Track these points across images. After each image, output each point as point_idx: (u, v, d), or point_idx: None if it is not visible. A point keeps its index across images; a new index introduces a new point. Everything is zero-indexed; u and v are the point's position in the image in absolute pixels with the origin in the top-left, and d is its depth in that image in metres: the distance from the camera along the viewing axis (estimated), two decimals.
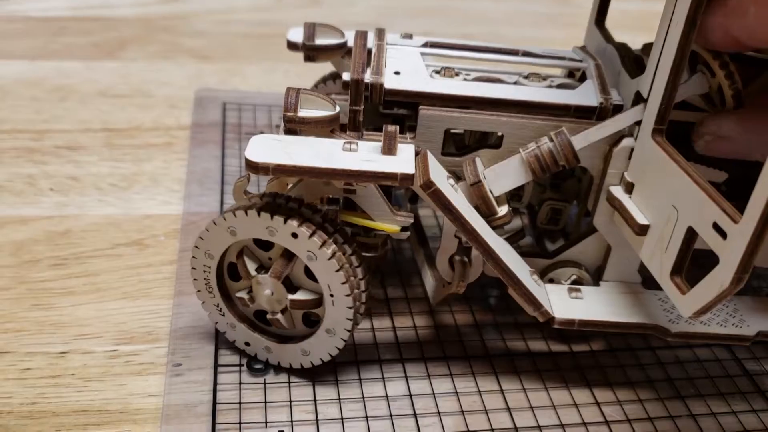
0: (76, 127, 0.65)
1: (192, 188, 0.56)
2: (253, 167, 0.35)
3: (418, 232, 0.49)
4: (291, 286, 0.40)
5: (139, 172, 0.59)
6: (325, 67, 0.52)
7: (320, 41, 0.46)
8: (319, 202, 0.40)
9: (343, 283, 0.38)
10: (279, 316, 0.40)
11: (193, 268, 0.40)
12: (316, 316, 0.41)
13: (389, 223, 0.40)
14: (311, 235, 0.37)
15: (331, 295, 0.38)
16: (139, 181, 0.58)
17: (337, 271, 0.37)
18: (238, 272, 0.40)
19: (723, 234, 0.31)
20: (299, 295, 0.39)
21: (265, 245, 0.39)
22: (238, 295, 0.40)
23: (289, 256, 0.39)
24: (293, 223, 0.36)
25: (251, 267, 0.40)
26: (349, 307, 0.38)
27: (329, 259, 0.37)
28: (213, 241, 0.39)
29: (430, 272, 0.45)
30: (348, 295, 0.38)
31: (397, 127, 0.37)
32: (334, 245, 0.38)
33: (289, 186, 0.41)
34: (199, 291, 0.41)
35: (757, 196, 0.28)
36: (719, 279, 0.31)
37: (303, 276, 0.39)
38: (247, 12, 0.93)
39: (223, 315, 0.41)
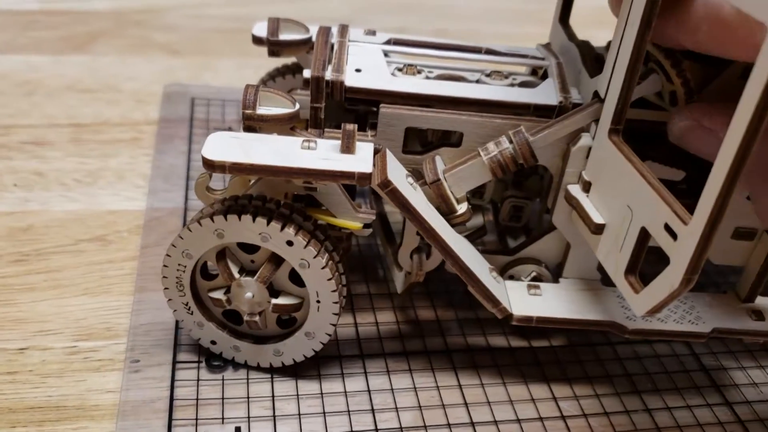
0: (43, 122, 0.64)
1: (156, 184, 0.56)
2: (209, 165, 0.35)
3: (385, 228, 0.49)
4: (272, 290, 0.40)
5: (105, 167, 0.59)
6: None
7: (284, 36, 0.46)
8: (282, 198, 0.40)
9: (333, 291, 0.38)
10: (256, 317, 0.40)
11: (165, 266, 0.39)
12: (293, 317, 0.41)
13: (352, 220, 0.40)
14: (307, 244, 0.37)
15: (318, 301, 0.39)
16: (105, 176, 0.58)
17: (329, 279, 0.38)
18: (209, 271, 0.40)
19: (674, 235, 0.31)
20: (281, 300, 0.40)
21: (248, 248, 0.39)
22: (214, 295, 0.40)
23: (277, 261, 0.39)
24: (290, 231, 0.37)
25: (233, 269, 0.39)
26: (335, 313, 0.39)
27: (323, 267, 0.38)
28: (195, 242, 0.38)
29: (395, 264, 0.46)
30: (336, 302, 0.39)
31: (356, 125, 0.37)
32: (327, 254, 0.38)
33: (251, 182, 0.41)
34: (167, 288, 0.40)
35: (706, 198, 0.28)
36: (670, 279, 0.31)
37: (286, 280, 0.40)
38: (219, 6, 0.93)
39: (191, 314, 0.41)
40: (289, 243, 0.37)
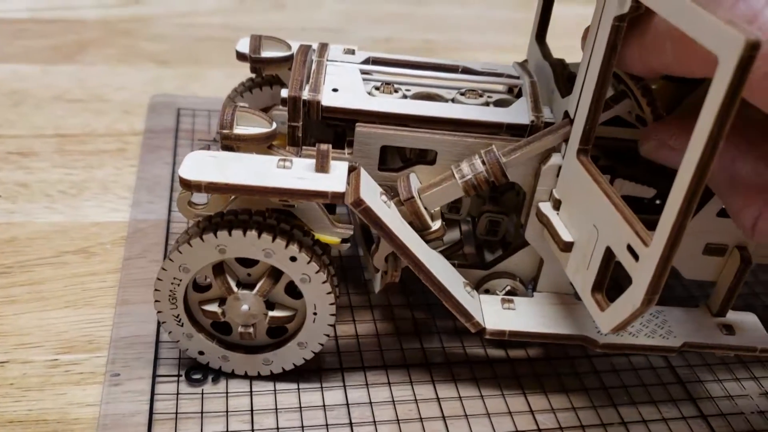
0: (29, 132, 0.64)
1: (141, 195, 0.56)
2: (186, 184, 0.36)
3: (366, 235, 0.49)
4: (267, 302, 0.41)
5: (90, 179, 0.59)
6: None
7: (266, 54, 0.47)
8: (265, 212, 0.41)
9: (331, 304, 0.40)
10: (250, 329, 0.41)
11: (159, 279, 0.39)
12: (284, 327, 0.42)
13: (330, 235, 0.40)
14: (310, 261, 0.38)
15: (315, 313, 0.40)
16: (89, 188, 0.58)
17: (329, 293, 0.39)
18: (199, 284, 0.41)
19: (636, 256, 0.32)
20: (277, 312, 0.41)
21: (245, 261, 0.40)
22: (209, 308, 0.41)
23: (276, 275, 0.40)
24: (294, 248, 0.38)
25: (231, 283, 0.40)
26: (330, 324, 0.40)
27: (324, 282, 0.39)
28: (194, 257, 0.38)
29: (373, 267, 0.46)
30: (332, 315, 0.40)
31: (330, 145, 0.37)
32: (326, 269, 0.39)
33: (231, 198, 0.41)
34: (158, 301, 0.40)
35: (665, 221, 0.29)
36: (632, 299, 0.32)
37: (282, 293, 0.41)
38: (209, 15, 0.93)
39: (182, 325, 0.41)
40: (293, 258, 0.38)
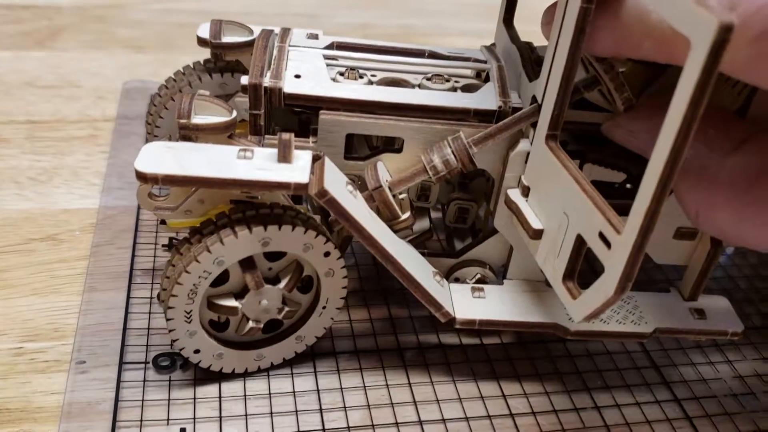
0: None
1: (111, 182, 0.55)
2: (141, 177, 0.35)
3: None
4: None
5: (60, 165, 0.58)
6: None
7: (227, 39, 0.46)
8: (226, 204, 0.40)
9: (342, 298, 0.41)
10: (261, 324, 0.40)
11: (186, 272, 0.37)
12: (279, 322, 0.41)
13: None
14: (340, 256, 0.39)
15: (324, 307, 0.41)
16: (60, 174, 0.57)
17: (344, 287, 0.40)
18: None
19: (608, 244, 0.31)
20: (288, 307, 0.40)
21: (270, 256, 0.39)
22: (227, 303, 0.39)
23: (300, 269, 0.39)
24: (330, 244, 0.39)
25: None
26: (332, 318, 0.41)
27: (344, 277, 0.40)
28: (233, 251, 0.37)
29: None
30: (338, 308, 0.41)
31: (293, 134, 0.36)
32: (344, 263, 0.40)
33: (193, 190, 0.40)
34: (175, 296, 0.37)
35: (637, 208, 0.28)
36: (605, 287, 0.31)
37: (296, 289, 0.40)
38: (184, 1, 0.92)
39: (189, 322, 0.39)
40: (326, 254, 0.39)
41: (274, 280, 0.39)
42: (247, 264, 0.38)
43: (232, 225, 0.37)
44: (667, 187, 0.27)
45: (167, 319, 0.38)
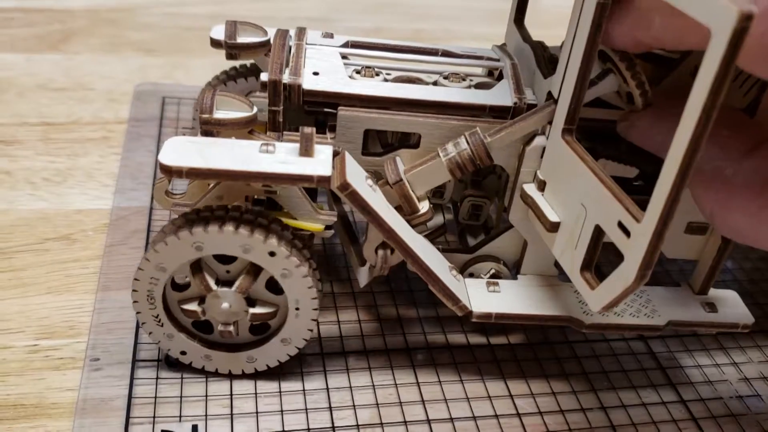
0: (13, 120, 0.64)
1: (124, 183, 0.56)
2: (166, 170, 0.35)
3: (347, 228, 0.49)
4: (248, 299, 0.40)
5: (74, 166, 0.59)
6: None
7: (242, 39, 0.46)
8: (243, 201, 0.41)
9: (314, 298, 0.39)
10: (231, 327, 0.40)
11: (136, 279, 0.38)
12: (266, 324, 0.41)
13: (313, 222, 0.40)
14: (290, 255, 0.37)
15: (297, 309, 0.39)
16: (73, 175, 0.58)
17: (310, 287, 0.39)
18: (177, 283, 0.40)
19: (627, 232, 0.32)
20: (258, 309, 0.40)
21: (223, 258, 0.39)
22: (188, 307, 0.40)
23: (255, 271, 0.39)
24: (273, 242, 0.37)
25: (210, 281, 0.39)
26: (313, 319, 0.40)
27: (305, 276, 0.38)
28: (171, 255, 0.37)
29: (359, 259, 0.46)
30: (315, 309, 0.40)
31: (314, 128, 0.37)
32: (307, 262, 0.38)
33: (210, 186, 0.41)
34: (136, 302, 0.39)
35: (658, 196, 0.29)
36: (624, 276, 0.32)
37: (263, 289, 0.40)
38: (195, 4, 0.93)
39: (162, 326, 0.40)
40: (272, 254, 0.37)
41: (233, 284, 0.40)
42: (196, 268, 0.39)
43: (167, 232, 0.37)
44: (688, 174, 0.28)
45: (140, 323, 0.40)
